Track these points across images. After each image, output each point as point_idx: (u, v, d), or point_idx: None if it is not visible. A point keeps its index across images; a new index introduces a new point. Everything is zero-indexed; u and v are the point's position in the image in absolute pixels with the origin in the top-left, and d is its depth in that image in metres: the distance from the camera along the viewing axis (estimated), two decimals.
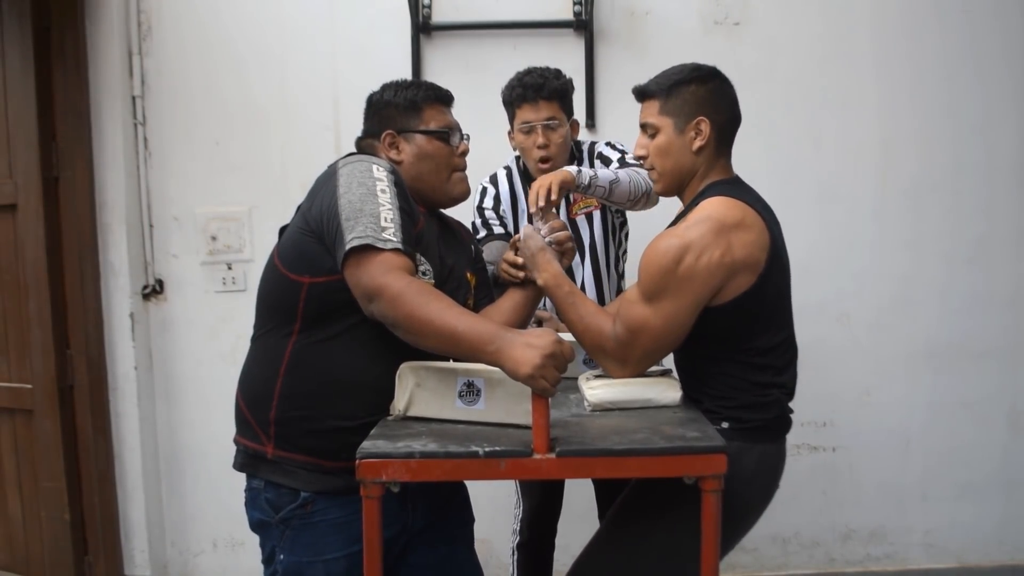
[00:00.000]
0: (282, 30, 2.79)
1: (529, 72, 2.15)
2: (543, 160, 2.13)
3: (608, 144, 2.26)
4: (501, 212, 2.25)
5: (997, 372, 2.81)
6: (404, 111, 1.62)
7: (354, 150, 1.65)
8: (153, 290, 2.82)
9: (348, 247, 1.37)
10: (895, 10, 2.76)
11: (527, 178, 2.25)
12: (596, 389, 1.56)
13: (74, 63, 2.67)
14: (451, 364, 1.47)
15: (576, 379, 1.67)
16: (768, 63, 2.76)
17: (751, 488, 1.59)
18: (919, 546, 2.85)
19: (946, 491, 2.83)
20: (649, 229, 1.98)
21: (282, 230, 1.59)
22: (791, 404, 1.68)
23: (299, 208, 1.55)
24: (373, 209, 1.39)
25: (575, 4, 2.69)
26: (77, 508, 2.69)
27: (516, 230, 2.21)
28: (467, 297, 1.66)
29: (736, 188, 1.64)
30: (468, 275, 1.69)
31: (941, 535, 2.84)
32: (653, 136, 1.66)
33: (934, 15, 2.75)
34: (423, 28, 2.73)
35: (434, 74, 2.78)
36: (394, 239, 1.38)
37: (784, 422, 1.66)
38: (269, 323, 1.55)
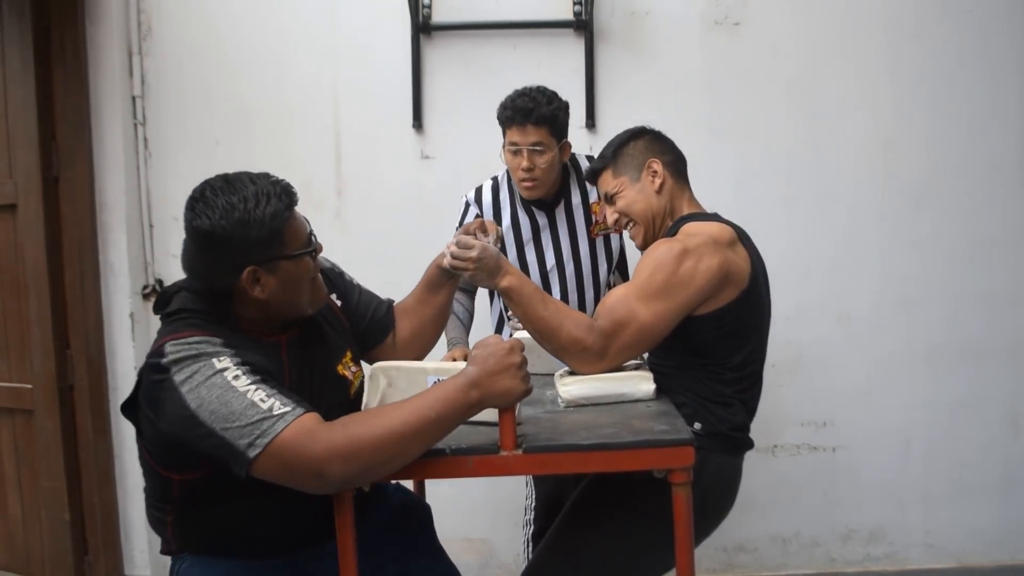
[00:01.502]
0: (282, 30, 2.79)
1: (522, 94, 2.16)
2: (527, 181, 2.18)
3: None
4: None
5: (997, 372, 2.81)
6: (265, 242, 1.35)
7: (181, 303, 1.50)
8: (153, 290, 2.82)
9: (252, 457, 1.21)
10: (896, 10, 2.75)
11: (514, 192, 2.30)
12: (569, 386, 1.58)
13: (74, 63, 2.67)
14: (421, 364, 1.51)
15: (553, 375, 1.69)
16: (768, 63, 2.76)
17: (706, 497, 1.57)
18: (919, 546, 2.84)
19: (946, 491, 2.83)
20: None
21: (125, 406, 1.44)
22: (753, 435, 1.73)
23: (139, 399, 1.39)
24: (242, 402, 1.23)
25: (575, 4, 2.68)
26: (77, 508, 2.68)
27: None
28: (354, 378, 1.55)
29: (719, 218, 1.72)
30: (346, 356, 1.56)
31: (941, 535, 2.84)
32: (617, 199, 1.76)
33: (936, 15, 2.74)
34: (423, 28, 2.73)
35: (434, 74, 2.78)
36: (285, 408, 1.23)
37: (744, 438, 1.70)
38: (149, 491, 1.45)
